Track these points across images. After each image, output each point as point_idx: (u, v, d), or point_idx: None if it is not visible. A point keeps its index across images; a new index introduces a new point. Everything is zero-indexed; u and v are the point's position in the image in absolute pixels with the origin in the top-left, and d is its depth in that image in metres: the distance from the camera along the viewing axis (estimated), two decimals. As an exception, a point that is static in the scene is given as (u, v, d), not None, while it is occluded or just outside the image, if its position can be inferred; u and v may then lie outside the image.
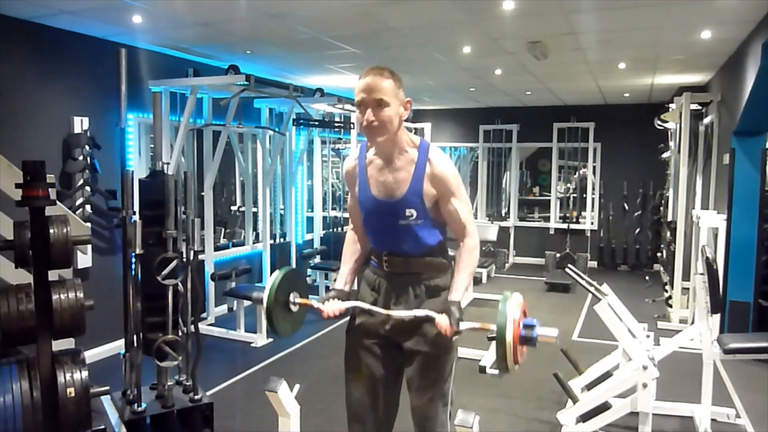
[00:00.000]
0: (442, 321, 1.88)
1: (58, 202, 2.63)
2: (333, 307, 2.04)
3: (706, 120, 6.00)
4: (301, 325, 2.27)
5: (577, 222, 8.94)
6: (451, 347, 2.07)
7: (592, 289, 3.42)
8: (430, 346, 2.02)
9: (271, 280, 2.11)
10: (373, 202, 2.02)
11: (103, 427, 2.29)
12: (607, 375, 3.48)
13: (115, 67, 3.28)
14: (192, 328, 3.27)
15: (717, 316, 3.27)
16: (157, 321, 3.15)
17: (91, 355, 4.30)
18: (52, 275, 2.12)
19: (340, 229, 7.13)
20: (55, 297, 2.05)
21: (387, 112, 1.88)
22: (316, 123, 6.49)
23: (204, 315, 5.46)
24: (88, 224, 4.10)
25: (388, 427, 2.18)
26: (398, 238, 2.00)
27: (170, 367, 3.19)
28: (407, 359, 2.07)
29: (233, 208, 6.90)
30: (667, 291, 6.08)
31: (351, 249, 2.23)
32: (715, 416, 3.45)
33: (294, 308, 2.17)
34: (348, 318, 2.19)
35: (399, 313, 1.98)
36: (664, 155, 7.12)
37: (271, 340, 5.05)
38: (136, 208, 3.25)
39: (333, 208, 7.51)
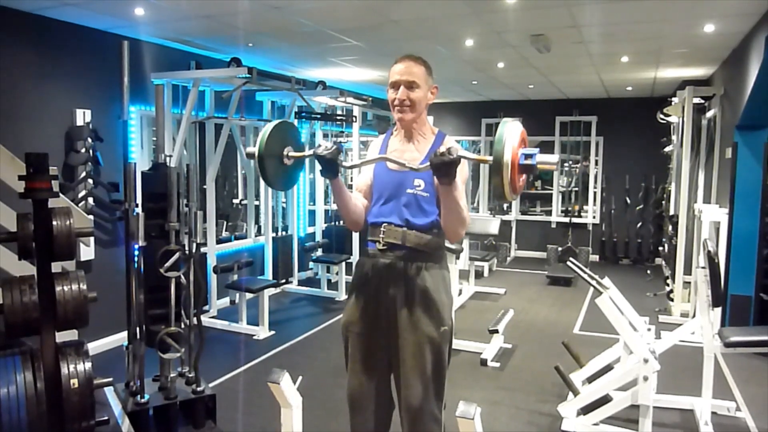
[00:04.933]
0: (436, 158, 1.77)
1: (60, 194, 2.64)
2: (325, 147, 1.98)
3: (709, 114, 5.98)
4: (296, 182, 2.22)
5: (579, 216, 8.93)
6: (446, 339, 2.08)
7: (593, 282, 3.43)
8: (425, 337, 2.03)
9: (263, 131, 2.10)
10: (387, 173, 2.12)
11: (106, 418, 2.30)
12: (608, 368, 3.49)
13: (118, 60, 3.28)
14: (194, 320, 3.29)
15: (718, 310, 3.28)
16: (160, 313, 3.17)
17: (94, 346, 4.32)
18: (55, 267, 2.13)
19: (341, 222, 7.12)
20: (58, 289, 2.06)
21: (417, 93, 2.07)
22: (318, 116, 6.48)
23: (206, 307, 5.48)
24: (91, 216, 4.10)
25: (387, 419, 2.20)
26: (402, 205, 2.07)
27: (173, 359, 3.20)
28: (403, 350, 2.06)
29: (235, 201, 6.90)
30: (668, 285, 6.08)
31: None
32: (716, 409, 3.47)
33: (288, 162, 2.15)
34: (345, 308, 2.20)
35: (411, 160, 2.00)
36: (667, 149, 7.11)
37: (273, 332, 5.06)
38: (139, 200, 3.26)
39: (335, 202, 7.48)
